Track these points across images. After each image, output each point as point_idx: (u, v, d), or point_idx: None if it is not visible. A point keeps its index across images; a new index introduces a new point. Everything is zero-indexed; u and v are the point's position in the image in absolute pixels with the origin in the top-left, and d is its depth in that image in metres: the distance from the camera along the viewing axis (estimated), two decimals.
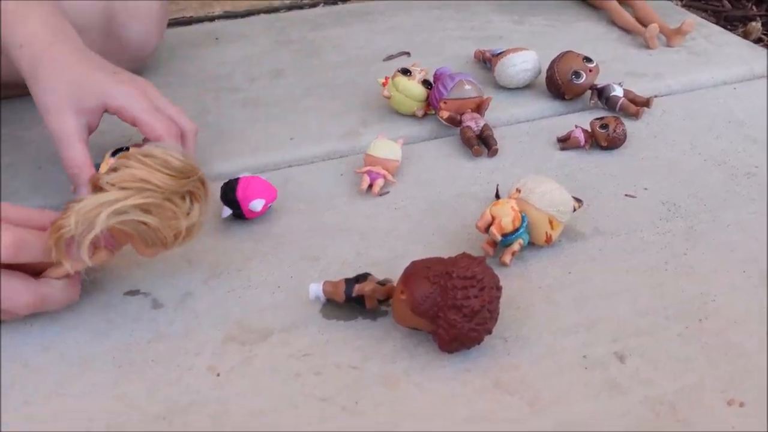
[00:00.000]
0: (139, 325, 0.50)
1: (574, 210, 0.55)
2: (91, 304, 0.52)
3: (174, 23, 1.03)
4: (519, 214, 0.52)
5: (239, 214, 0.58)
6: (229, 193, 0.57)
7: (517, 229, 0.52)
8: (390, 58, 0.89)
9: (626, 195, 0.61)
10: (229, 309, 0.51)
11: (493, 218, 0.52)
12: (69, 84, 0.55)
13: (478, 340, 0.44)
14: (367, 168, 0.63)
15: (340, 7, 1.08)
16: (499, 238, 0.51)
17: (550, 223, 0.53)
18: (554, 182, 0.54)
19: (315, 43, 0.94)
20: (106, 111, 0.58)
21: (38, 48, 0.56)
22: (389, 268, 0.54)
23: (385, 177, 0.63)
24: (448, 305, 0.43)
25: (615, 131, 0.66)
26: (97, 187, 0.46)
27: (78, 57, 0.57)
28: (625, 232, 0.57)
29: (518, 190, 0.53)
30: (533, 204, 0.52)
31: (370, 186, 0.62)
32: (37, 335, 0.49)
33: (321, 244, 0.57)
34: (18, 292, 0.46)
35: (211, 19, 1.06)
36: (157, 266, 0.55)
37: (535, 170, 0.65)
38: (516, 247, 0.52)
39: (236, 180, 0.58)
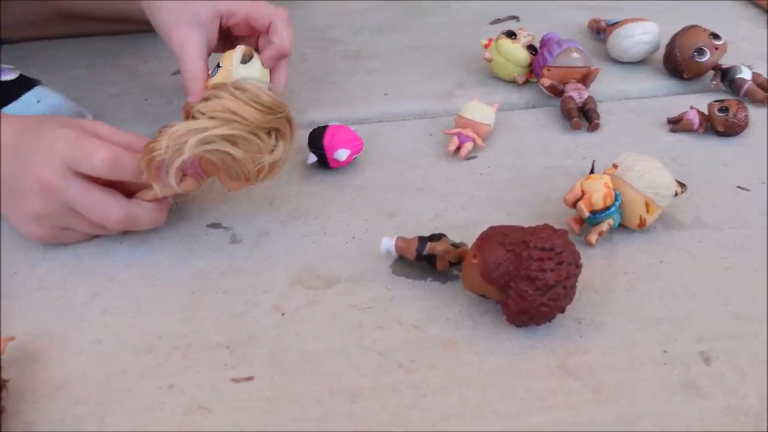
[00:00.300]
0: (217, 256, 0.51)
1: (676, 195, 0.50)
2: (176, 231, 0.54)
3: None
4: (612, 192, 0.48)
5: (324, 162, 0.58)
6: (317, 140, 0.57)
7: (608, 208, 0.48)
8: (497, 21, 0.85)
9: (738, 187, 0.56)
10: (301, 253, 0.51)
11: (584, 193, 0.48)
12: (181, 2, 0.57)
13: (549, 317, 0.42)
14: (457, 130, 0.61)
15: None
16: (587, 214, 0.48)
17: (647, 205, 0.49)
18: (657, 162, 0.50)
19: (423, 2, 0.92)
20: (221, 19, 0.58)
21: None
22: (466, 233, 0.52)
23: (474, 141, 0.60)
24: (521, 275, 0.41)
25: (736, 116, 0.60)
26: (189, 115, 0.47)
27: None
28: (730, 226, 0.52)
29: (615, 166, 0.49)
30: (630, 183, 0.49)
31: (458, 148, 0.60)
32: (125, 253, 0.52)
33: (400, 201, 0.56)
34: (111, 207, 0.48)
35: None
36: (240, 203, 0.56)
37: (639, 150, 0.60)
38: (605, 227, 0.49)
39: (324, 128, 0.58)
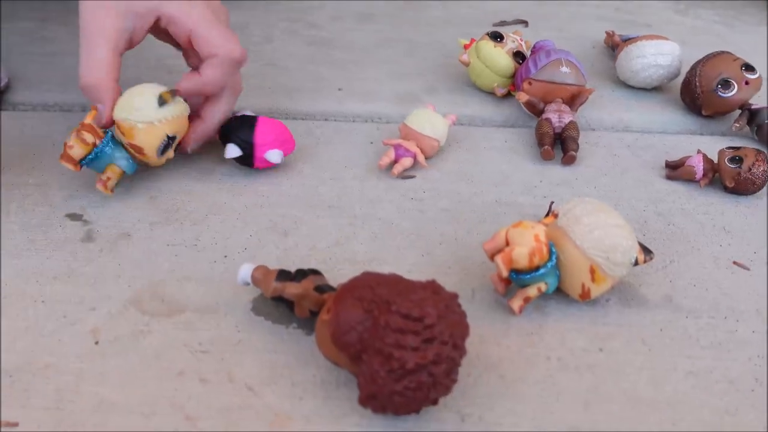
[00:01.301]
0: (57, 255, 0.42)
1: (636, 264, 0.38)
2: (30, 216, 0.45)
3: None
4: (544, 248, 0.36)
5: (248, 160, 0.47)
6: (244, 132, 0.47)
7: (536, 268, 0.36)
8: (502, 24, 0.74)
9: (735, 263, 0.42)
10: (156, 266, 0.41)
11: (508, 244, 0.36)
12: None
13: (408, 409, 0.31)
14: (398, 141, 0.50)
15: None
16: (505, 273, 0.36)
17: (592, 272, 0.36)
18: (616, 215, 0.37)
19: None
20: (158, 20, 0.46)
21: None
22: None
23: (415, 157, 0.49)
24: (374, 348, 0.30)
25: (751, 170, 0.46)
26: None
27: None
28: (711, 315, 0.39)
29: (554, 214, 0.37)
30: (573, 239, 0.36)
31: (394, 163, 0.49)
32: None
33: (301, 219, 0.45)
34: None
35: None
36: (117, 193, 0.46)
37: (617, 197, 0.48)
38: (533, 292, 0.37)
39: (253, 118, 0.48)
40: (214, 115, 0.47)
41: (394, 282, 0.32)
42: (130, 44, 0.46)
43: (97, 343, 0.36)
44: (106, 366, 0.35)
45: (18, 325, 0.37)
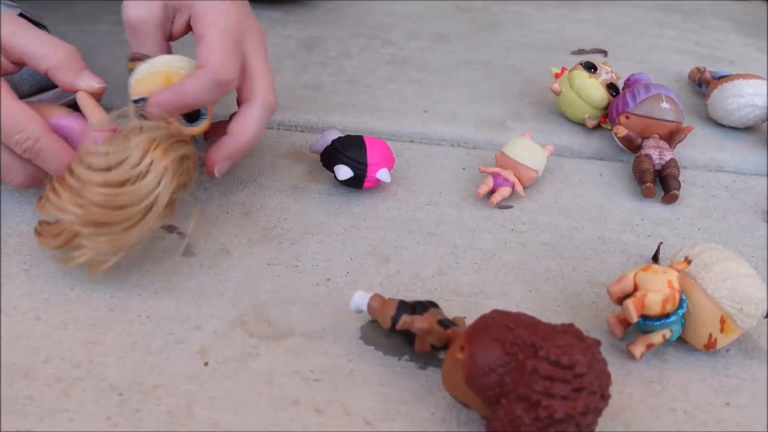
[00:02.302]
0: (157, 267, 0.41)
1: (767, 316, 0.36)
2: None
3: None
4: (677, 295, 0.35)
5: (359, 181, 0.46)
6: (356, 152, 0.46)
7: (667, 315, 0.35)
8: (580, 52, 0.73)
9: None
10: (258, 285, 0.40)
11: (637, 288, 0.35)
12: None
13: None
14: (495, 169, 0.49)
15: None
16: (635, 318, 0.34)
17: (722, 322, 0.35)
18: (746, 264, 0.36)
19: (497, 16, 0.80)
20: (191, 19, 0.44)
21: None
22: (472, 305, 0.40)
23: (513, 187, 0.48)
24: (518, 393, 0.28)
25: None
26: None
27: None
28: None
29: (687, 260, 0.36)
30: (705, 287, 0.35)
31: (492, 192, 0.48)
32: None
33: (401, 244, 0.44)
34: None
35: None
36: (210, 208, 0.46)
37: (723, 240, 0.46)
38: (657, 339, 0.36)
39: (360, 138, 0.47)
40: (245, 131, 0.43)
41: (533, 324, 0.31)
42: (172, 36, 0.45)
43: (206, 364, 0.35)
44: (217, 389, 0.34)
45: (125, 341, 0.36)
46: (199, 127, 0.43)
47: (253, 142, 0.44)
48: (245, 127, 0.43)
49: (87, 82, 0.41)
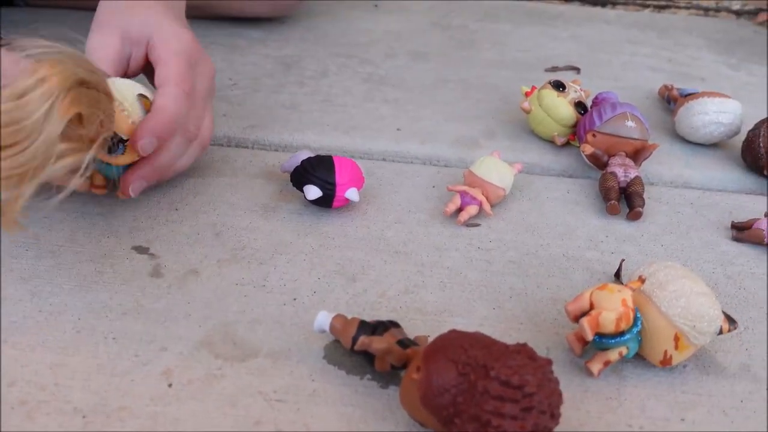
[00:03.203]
0: (126, 289, 0.41)
1: (720, 333, 0.37)
2: (95, 246, 0.44)
3: None
4: (631, 313, 0.35)
5: (327, 200, 0.47)
6: (324, 172, 0.46)
7: (621, 333, 0.36)
8: (554, 69, 0.74)
9: None
10: (226, 306, 0.41)
11: (593, 306, 0.36)
12: (123, 8, 0.47)
13: None
14: (463, 188, 0.49)
15: (523, 3, 0.94)
16: (590, 336, 0.35)
17: (677, 340, 0.36)
18: (701, 282, 0.37)
19: (475, 34, 0.82)
20: (147, 49, 0.47)
21: None
22: (436, 323, 0.41)
23: (481, 205, 0.49)
24: (469, 413, 0.29)
25: None
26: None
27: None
28: None
29: (641, 279, 0.37)
30: (659, 305, 0.36)
31: (460, 210, 0.49)
32: (27, 263, 0.43)
33: (369, 263, 0.45)
34: None
35: None
36: (182, 227, 0.46)
37: (685, 257, 0.47)
38: (614, 356, 0.36)
39: (329, 158, 0.47)
40: (164, 158, 0.45)
41: (487, 344, 0.31)
42: (128, 71, 0.48)
43: (170, 385, 0.36)
44: (182, 411, 0.35)
45: (90, 363, 0.37)
46: (123, 157, 0.43)
47: (176, 172, 0.47)
48: (165, 156, 0.44)
49: None
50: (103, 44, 0.45)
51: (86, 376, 0.36)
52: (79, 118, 0.34)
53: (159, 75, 0.45)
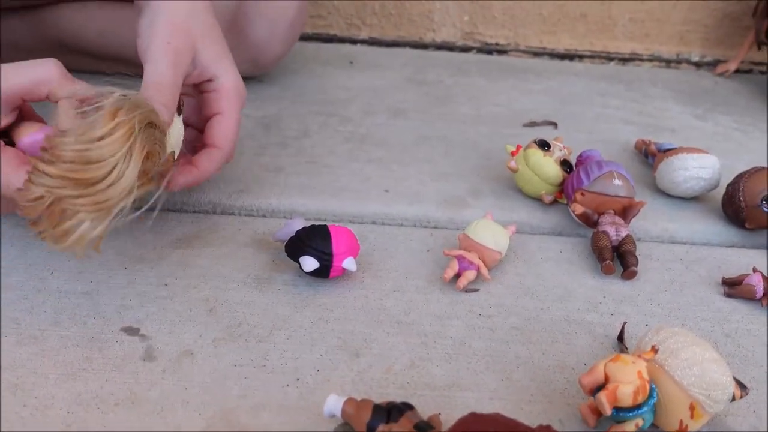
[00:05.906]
0: (117, 376, 0.39)
1: (733, 399, 0.37)
2: (82, 329, 0.42)
3: (315, 38, 0.97)
4: (647, 385, 0.35)
5: (324, 270, 0.46)
6: (321, 243, 0.45)
7: (639, 405, 0.35)
8: (532, 124, 0.75)
9: None
10: (226, 390, 0.39)
11: (608, 379, 0.36)
12: (197, 36, 0.47)
13: None
14: (460, 252, 0.49)
15: (494, 58, 0.96)
16: (608, 411, 0.35)
17: (692, 409, 0.36)
18: (710, 347, 0.37)
19: (450, 89, 0.83)
20: (208, 83, 0.48)
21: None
22: (445, 399, 0.40)
23: (478, 269, 0.48)
24: None
25: None
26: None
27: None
28: None
29: (654, 349, 0.37)
30: (672, 375, 0.36)
31: (458, 275, 0.48)
32: (8, 348, 0.40)
33: (371, 336, 0.44)
34: None
35: (354, 42, 0.98)
36: (173, 304, 0.45)
37: (683, 316, 0.48)
38: (630, 427, 0.36)
39: (325, 228, 0.46)
40: (210, 167, 0.48)
41: (510, 427, 0.30)
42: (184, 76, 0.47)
43: None
44: None
45: None
46: None
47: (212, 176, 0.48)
48: (211, 165, 0.48)
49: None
50: (177, 69, 0.45)
51: None
52: (147, 155, 0.38)
53: (218, 126, 0.48)
